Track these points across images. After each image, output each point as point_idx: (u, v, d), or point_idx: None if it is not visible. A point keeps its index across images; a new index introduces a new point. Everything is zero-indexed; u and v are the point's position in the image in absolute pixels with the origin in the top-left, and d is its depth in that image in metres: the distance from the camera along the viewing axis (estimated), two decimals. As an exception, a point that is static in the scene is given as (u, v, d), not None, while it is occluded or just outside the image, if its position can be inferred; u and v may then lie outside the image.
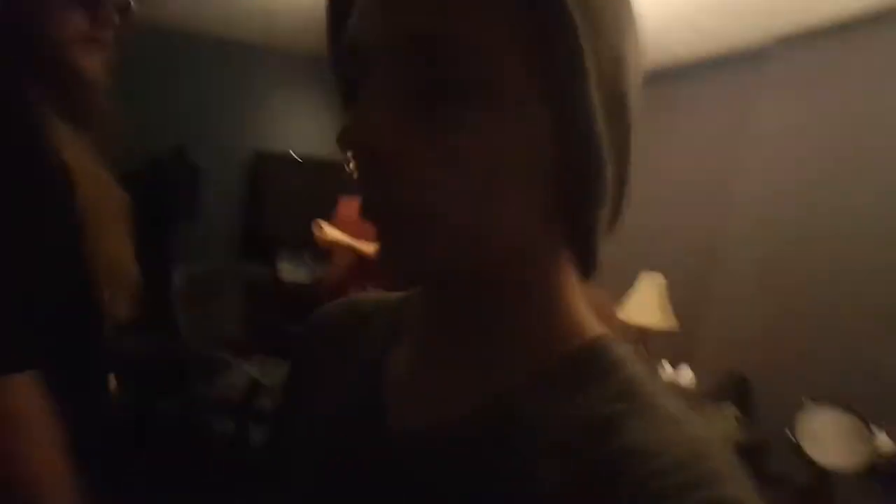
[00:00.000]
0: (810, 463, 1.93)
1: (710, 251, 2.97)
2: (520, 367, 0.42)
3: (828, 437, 1.95)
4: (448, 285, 0.42)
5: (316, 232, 2.15)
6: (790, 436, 1.96)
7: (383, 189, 0.37)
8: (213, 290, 3.10)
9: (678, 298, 2.75)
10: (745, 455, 2.17)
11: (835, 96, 2.51)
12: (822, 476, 1.92)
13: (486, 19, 0.34)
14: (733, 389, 2.58)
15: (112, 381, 0.97)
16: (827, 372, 2.23)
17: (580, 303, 0.44)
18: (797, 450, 1.96)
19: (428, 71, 0.35)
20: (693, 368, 2.73)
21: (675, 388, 2.38)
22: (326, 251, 2.24)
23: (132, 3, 0.89)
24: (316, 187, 4.37)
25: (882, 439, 1.88)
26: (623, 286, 2.79)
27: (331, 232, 2.14)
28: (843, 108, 2.47)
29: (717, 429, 2.20)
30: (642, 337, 2.68)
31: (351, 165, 0.39)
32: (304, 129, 4.49)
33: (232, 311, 3.19)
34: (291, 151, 4.40)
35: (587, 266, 0.43)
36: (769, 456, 2.16)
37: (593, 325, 0.44)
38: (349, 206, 2.33)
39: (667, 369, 2.69)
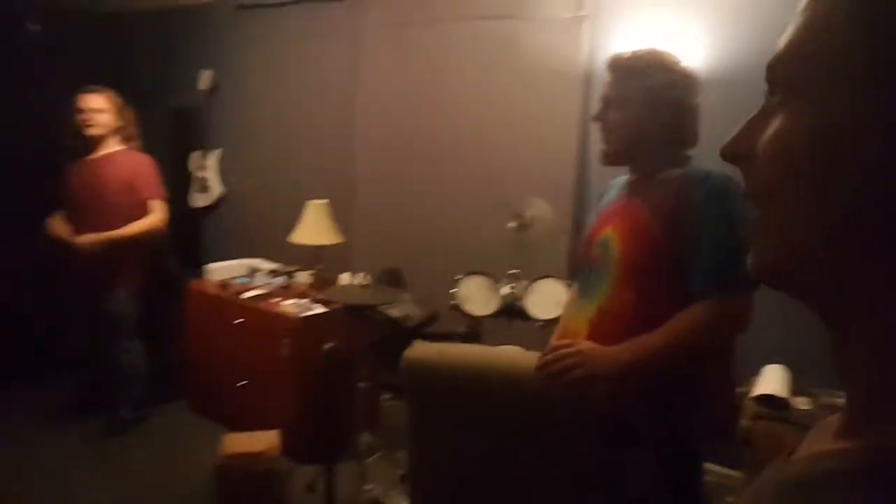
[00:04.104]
0: (467, 316, 2.81)
1: (351, 178, 3.60)
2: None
3: (473, 296, 2.86)
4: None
5: None
6: (453, 300, 2.80)
7: (746, 182, 0.44)
8: None
9: (338, 219, 3.33)
10: (426, 324, 2.98)
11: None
12: (474, 323, 2.82)
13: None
14: (392, 280, 3.34)
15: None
16: (459, 252, 3.16)
17: None
18: (457, 309, 2.81)
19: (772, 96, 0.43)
20: (355, 272, 3.38)
21: (361, 286, 2.97)
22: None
23: None
24: None
25: (504, 290, 2.86)
26: (297, 213, 3.21)
27: None
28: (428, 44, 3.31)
29: (403, 310, 2.93)
30: (317, 254, 3.19)
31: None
32: None
33: None
34: None
35: None
36: (439, 320, 3.00)
37: None
38: None
39: (345, 277, 3.27)
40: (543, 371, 1.44)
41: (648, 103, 1.54)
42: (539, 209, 2.76)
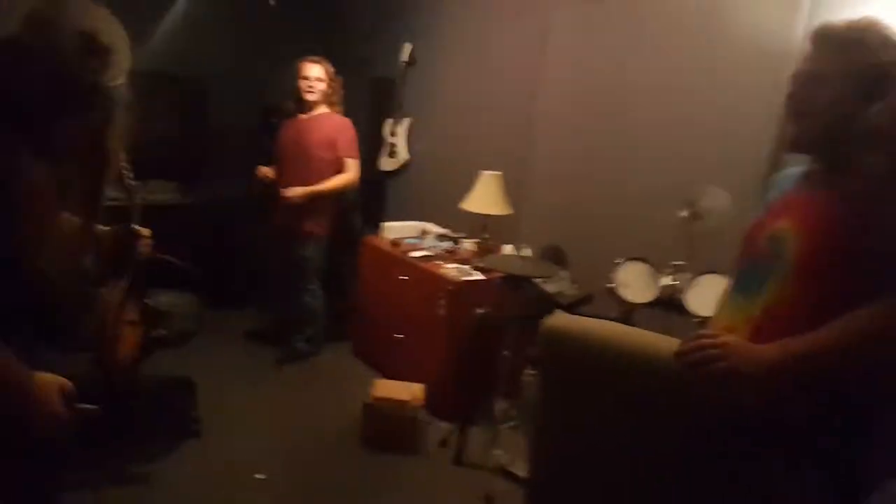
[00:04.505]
0: (622, 302, 2.72)
1: (525, 153, 3.62)
2: None
3: (632, 282, 2.76)
4: None
5: None
6: (610, 283, 2.73)
7: None
8: None
9: (508, 192, 3.38)
10: (579, 304, 2.94)
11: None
12: (628, 310, 2.72)
13: None
14: (554, 258, 3.33)
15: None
16: (624, 236, 3.05)
17: None
18: (613, 293, 2.73)
19: None
20: (519, 244, 3.41)
21: (522, 258, 3.01)
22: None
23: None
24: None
25: (665, 280, 2.72)
26: (470, 182, 3.32)
27: None
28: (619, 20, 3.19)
29: (559, 287, 2.92)
30: (484, 224, 3.27)
31: None
32: None
33: None
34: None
35: None
36: (593, 303, 2.95)
37: None
38: None
39: (508, 248, 3.33)
40: (682, 359, 1.35)
41: (861, 82, 1.32)
42: (716, 199, 2.57)
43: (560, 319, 2.01)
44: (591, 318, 2.38)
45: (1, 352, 1.11)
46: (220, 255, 4.35)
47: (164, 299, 2.82)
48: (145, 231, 2.06)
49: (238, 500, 2.51)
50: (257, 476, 2.65)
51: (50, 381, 1.20)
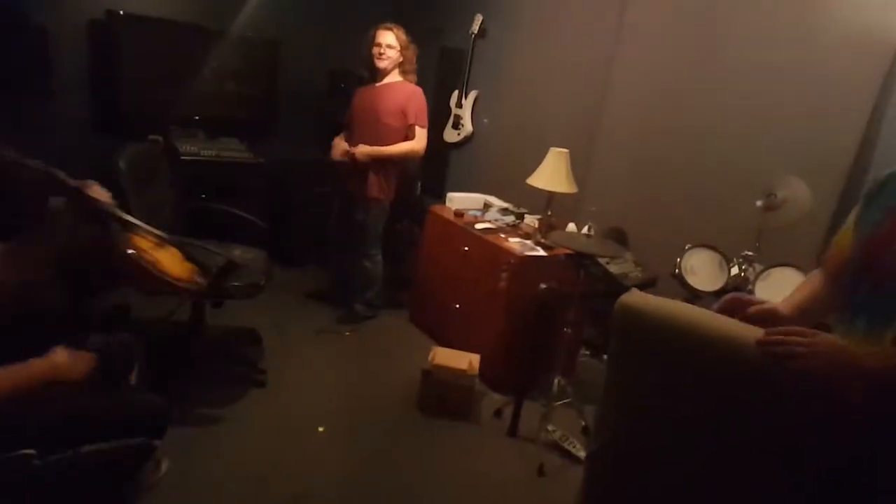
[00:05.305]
0: (687, 288, 2.71)
1: (594, 132, 3.59)
2: None
3: (699, 269, 2.74)
4: None
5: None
6: (676, 270, 2.71)
7: None
8: (149, 173, 3.02)
9: (574, 170, 3.36)
10: (642, 287, 2.93)
11: None
12: (692, 297, 2.71)
13: None
14: (617, 239, 3.33)
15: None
16: (692, 222, 3.03)
17: None
18: (679, 279, 2.72)
19: None
20: (582, 223, 3.41)
21: (586, 236, 3.01)
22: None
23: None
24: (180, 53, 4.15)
25: (734, 270, 2.69)
26: (536, 158, 3.32)
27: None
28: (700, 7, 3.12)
29: (623, 268, 2.92)
30: (550, 201, 3.27)
31: None
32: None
33: (164, 195, 3.15)
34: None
35: None
36: (657, 287, 2.94)
37: None
38: None
39: (571, 226, 3.33)
40: (766, 348, 1.27)
41: None
42: (795, 190, 2.52)
43: (636, 296, 2.00)
44: (666, 299, 2.38)
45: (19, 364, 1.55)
46: (286, 214, 4.47)
47: (236, 252, 2.92)
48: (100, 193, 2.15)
49: (300, 449, 2.63)
50: (319, 429, 2.76)
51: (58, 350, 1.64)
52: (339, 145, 3.72)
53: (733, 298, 1.45)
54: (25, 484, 1.63)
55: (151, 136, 3.82)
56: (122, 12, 3.88)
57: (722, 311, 1.42)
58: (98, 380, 1.73)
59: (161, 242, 2.43)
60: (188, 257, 2.53)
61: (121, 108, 4.01)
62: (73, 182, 2.01)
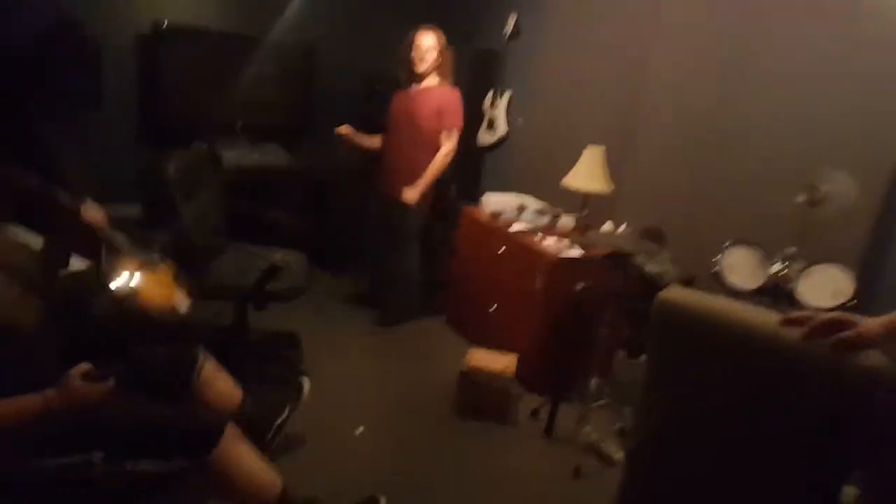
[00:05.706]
0: (726, 287, 2.66)
1: (631, 132, 3.55)
2: None
3: (738, 267, 2.69)
4: None
5: None
6: (716, 268, 2.67)
7: None
8: (196, 180, 3.11)
9: (610, 170, 3.34)
10: (682, 286, 2.89)
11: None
12: (732, 295, 2.66)
13: None
14: (654, 239, 3.28)
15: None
16: (731, 219, 2.97)
17: None
18: (718, 277, 2.67)
19: None
20: (618, 222, 3.38)
21: (622, 236, 2.99)
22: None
23: None
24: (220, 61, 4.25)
25: (775, 267, 2.63)
26: (570, 158, 3.30)
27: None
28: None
29: (660, 267, 2.88)
30: (586, 200, 3.25)
31: None
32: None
33: (211, 201, 3.24)
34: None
35: None
36: (695, 285, 2.89)
37: None
38: None
39: (607, 226, 3.31)
40: (812, 339, 1.25)
41: None
42: (839, 185, 2.45)
43: (676, 292, 1.97)
44: (706, 294, 2.34)
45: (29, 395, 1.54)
46: (323, 218, 4.54)
47: (277, 256, 2.99)
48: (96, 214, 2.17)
49: (339, 449, 2.67)
50: (357, 430, 2.80)
51: (73, 376, 1.60)
52: (354, 133, 3.77)
53: (840, 319, 1.21)
54: (81, 490, 1.60)
55: (196, 143, 3.93)
56: (165, 24, 4.00)
57: (819, 331, 1.25)
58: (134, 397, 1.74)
59: (150, 264, 2.34)
60: (178, 278, 2.44)
61: (165, 117, 4.14)
62: (70, 203, 2.03)
